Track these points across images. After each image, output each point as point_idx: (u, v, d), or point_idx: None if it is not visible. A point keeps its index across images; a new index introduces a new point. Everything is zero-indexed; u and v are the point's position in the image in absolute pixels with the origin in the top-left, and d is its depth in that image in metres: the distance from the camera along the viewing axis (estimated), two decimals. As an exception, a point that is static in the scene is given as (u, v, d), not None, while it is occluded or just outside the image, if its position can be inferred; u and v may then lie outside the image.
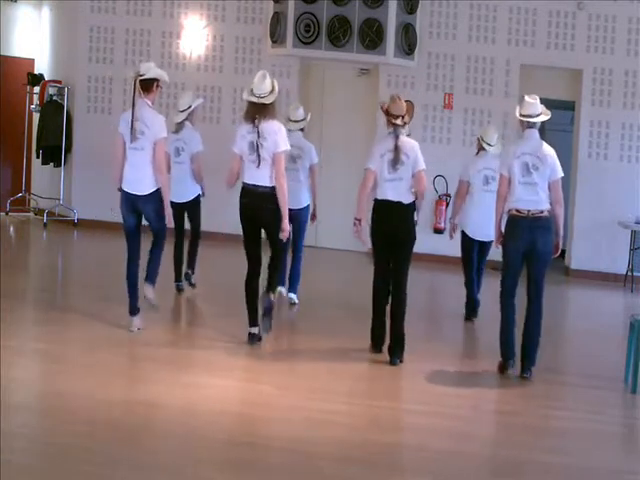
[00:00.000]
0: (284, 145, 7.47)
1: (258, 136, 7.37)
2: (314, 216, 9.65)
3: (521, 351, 7.42)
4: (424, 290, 11.75)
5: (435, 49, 13.46)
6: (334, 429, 5.90)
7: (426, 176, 7.72)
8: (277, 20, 13.17)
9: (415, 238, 7.62)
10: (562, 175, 7.47)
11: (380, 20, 12.86)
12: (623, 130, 13.20)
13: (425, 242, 12.98)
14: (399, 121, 7.54)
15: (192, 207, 9.61)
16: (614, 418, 6.88)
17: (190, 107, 9.48)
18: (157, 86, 7.75)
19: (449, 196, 13.36)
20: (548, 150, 7.45)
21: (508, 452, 5.86)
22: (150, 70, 7.70)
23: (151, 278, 7.91)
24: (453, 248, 13.12)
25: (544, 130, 14.65)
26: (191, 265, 9.69)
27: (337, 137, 13.78)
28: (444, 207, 13.38)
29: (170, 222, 7.79)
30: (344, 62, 13.35)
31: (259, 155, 7.39)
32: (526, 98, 7.57)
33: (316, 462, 5.30)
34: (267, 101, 7.41)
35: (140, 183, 7.62)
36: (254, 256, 7.64)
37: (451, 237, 9.58)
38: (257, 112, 7.41)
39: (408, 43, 13.16)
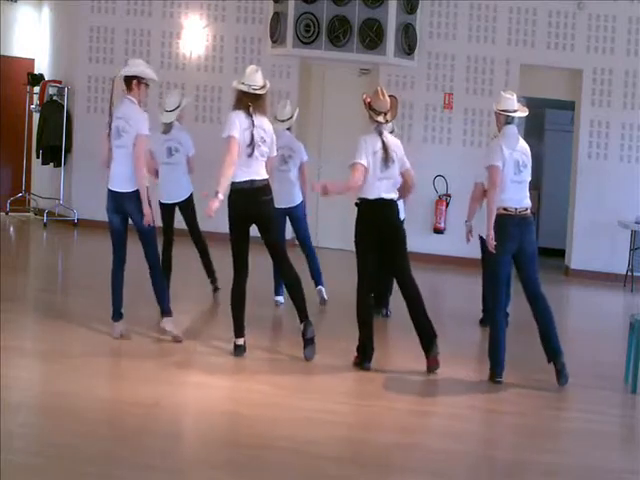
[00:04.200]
0: (275, 150, 7.57)
1: (253, 125, 7.21)
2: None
3: (550, 356, 7.22)
4: (423, 291, 11.69)
5: (435, 49, 13.46)
6: (333, 429, 5.91)
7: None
8: (277, 20, 13.17)
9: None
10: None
11: (380, 20, 12.86)
12: (623, 130, 13.20)
13: (425, 242, 13.04)
14: (381, 118, 7.36)
15: (186, 207, 9.31)
16: (614, 418, 6.88)
17: (179, 107, 9.24)
18: (139, 83, 7.53)
19: (449, 196, 13.36)
20: (527, 147, 7.42)
21: (507, 452, 5.86)
22: (132, 67, 7.55)
23: (166, 309, 7.72)
24: (453, 248, 13.22)
25: (543, 130, 14.75)
26: (210, 274, 9.59)
27: (337, 137, 13.76)
28: (444, 207, 13.38)
29: (149, 221, 7.45)
30: (344, 62, 13.35)
31: (255, 146, 7.21)
32: (502, 93, 7.43)
33: (316, 462, 5.30)
34: (260, 92, 7.26)
35: (124, 181, 7.49)
36: (245, 259, 7.37)
37: (468, 240, 9.08)
38: (250, 102, 7.25)
39: (408, 43, 13.16)
